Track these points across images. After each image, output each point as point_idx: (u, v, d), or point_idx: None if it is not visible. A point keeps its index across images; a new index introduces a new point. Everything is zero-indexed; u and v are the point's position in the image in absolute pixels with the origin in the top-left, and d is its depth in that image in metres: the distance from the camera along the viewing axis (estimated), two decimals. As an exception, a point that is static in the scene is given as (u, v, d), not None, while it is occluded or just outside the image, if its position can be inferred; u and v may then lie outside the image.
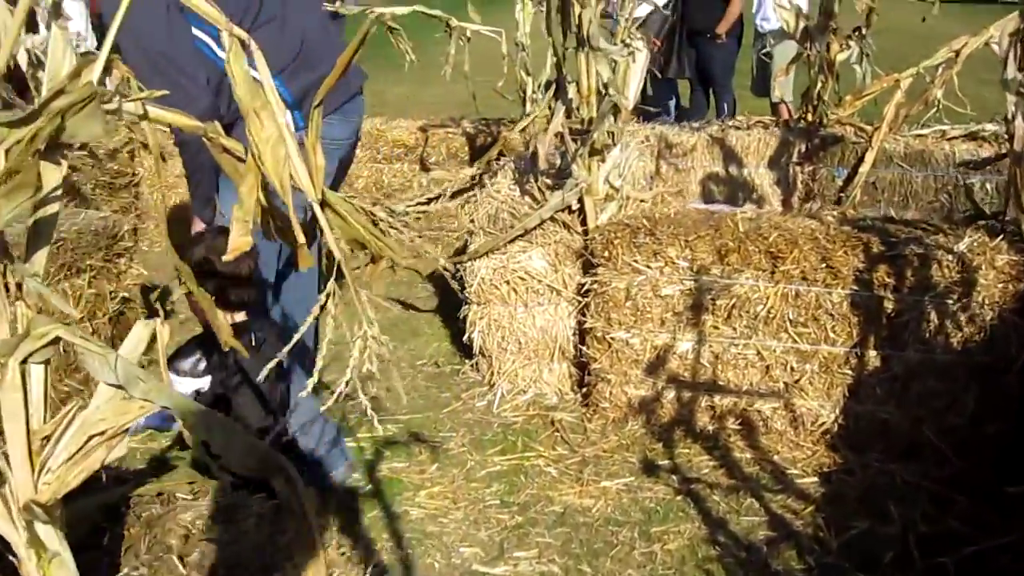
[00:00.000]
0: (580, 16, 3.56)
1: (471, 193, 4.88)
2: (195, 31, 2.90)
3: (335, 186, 3.38)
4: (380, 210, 1.79)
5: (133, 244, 6.07)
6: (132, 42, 2.85)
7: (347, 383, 1.75)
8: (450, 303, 4.38)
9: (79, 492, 2.11)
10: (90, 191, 5.53)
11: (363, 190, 5.86)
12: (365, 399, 1.79)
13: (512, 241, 3.99)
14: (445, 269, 2.09)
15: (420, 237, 1.86)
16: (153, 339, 1.67)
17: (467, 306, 4.19)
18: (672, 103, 8.15)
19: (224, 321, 1.69)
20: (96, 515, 2.03)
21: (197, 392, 2.74)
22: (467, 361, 4.43)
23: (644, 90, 7.89)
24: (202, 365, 2.72)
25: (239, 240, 1.50)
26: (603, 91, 3.72)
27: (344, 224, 1.74)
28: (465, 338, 4.27)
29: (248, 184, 1.47)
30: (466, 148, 5.69)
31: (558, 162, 4.30)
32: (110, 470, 2.18)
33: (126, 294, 4.32)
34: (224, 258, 1.52)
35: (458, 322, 4.30)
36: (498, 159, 4.87)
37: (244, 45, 1.49)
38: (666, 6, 7.47)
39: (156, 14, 2.75)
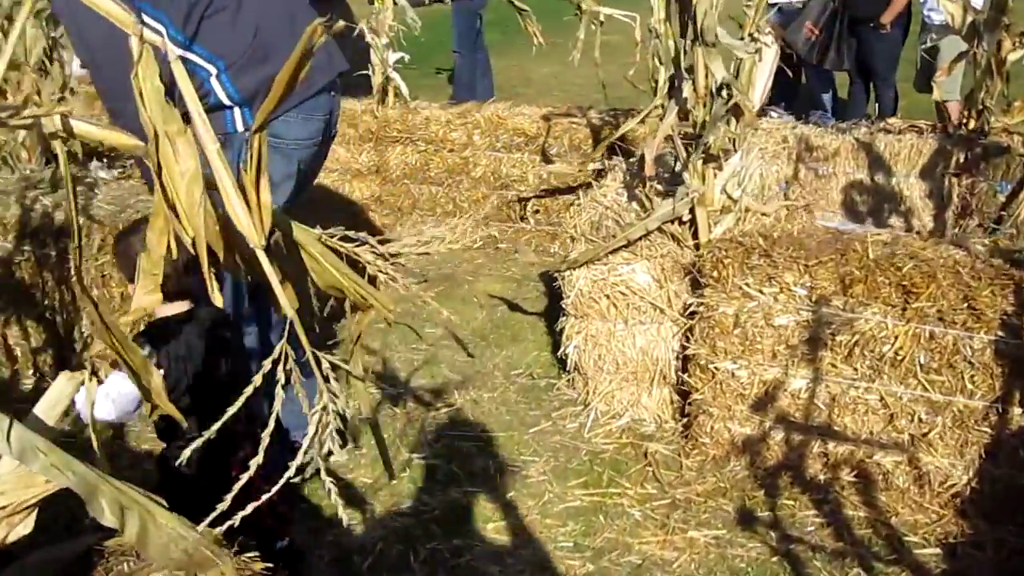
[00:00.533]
0: (695, 6, 3.14)
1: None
2: (146, 18, 2.67)
3: (300, 190, 3.13)
4: (367, 251, 1.46)
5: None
6: (75, 33, 2.73)
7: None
8: (560, 308, 4.06)
9: (43, 540, 1.88)
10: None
11: (480, 179, 5.58)
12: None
13: (614, 252, 3.62)
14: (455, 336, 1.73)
15: (417, 283, 1.52)
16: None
17: (564, 318, 3.85)
18: (828, 96, 7.54)
19: (157, 382, 1.40)
20: (56, 568, 1.80)
21: None
22: (564, 375, 4.09)
23: (796, 85, 7.33)
24: (153, 358, 2.47)
25: (144, 299, 1.20)
26: (719, 91, 3.30)
27: (318, 267, 1.43)
28: (560, 352, 3.93)
29: (156, 228, 1.18)
30: (590, 140, 5.31)
31: (676, 166, 3.89)
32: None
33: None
34: (123, 320, 1.23)
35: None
36: (611, 156, 4.48)
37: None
38: (829, -9, 6.90)
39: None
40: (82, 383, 1.40)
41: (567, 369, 3.98)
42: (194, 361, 2.46)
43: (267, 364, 1.33)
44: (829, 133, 4.83)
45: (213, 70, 2.76)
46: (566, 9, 5.37)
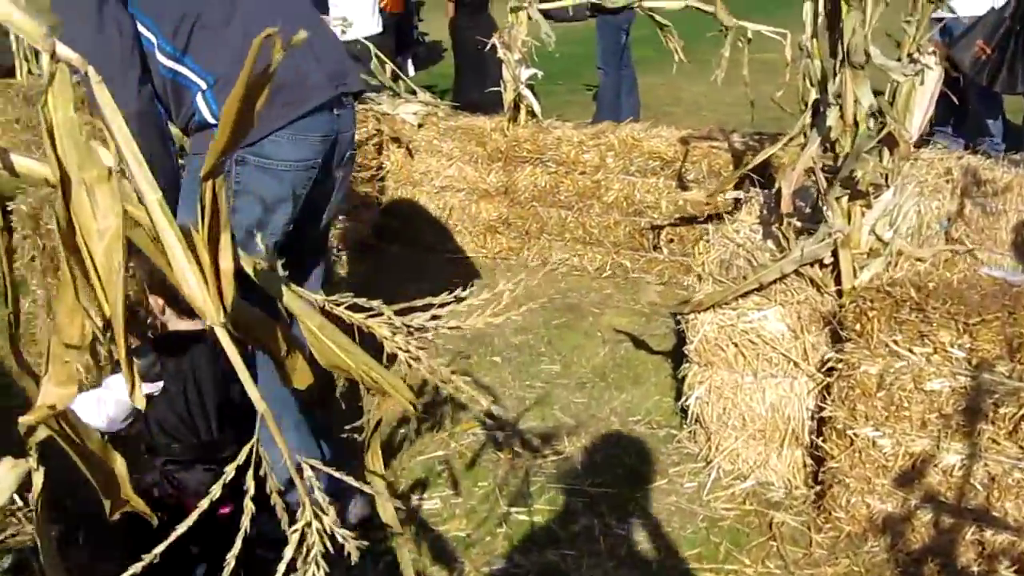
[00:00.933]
0: (844, 22, 2.75)
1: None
2: (140, 28, 2.56)
3: (306, 222, 2.87)
4: (382, 324, 1.16)
5: (374, 243, 5.81)
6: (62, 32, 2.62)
7: None
8: (688, 347, 3.71)
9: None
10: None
11: (611, 204, 5.23)
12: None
13: (744, 295, 3.24)
14: (489, 416, 1.40)
15: (449, 366, 1.21)
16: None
17: (687, 364, 3.48)
18: (997, 122, 6.88)
19: (121, 470, 1.14)
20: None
21: (149, 397, 2.33)
22: (686, 427, 3.71)
23: (965, 109, 6.72)
24: (157, 368, 2.30)
25: (53, 393, 0.93)
26: (870, 118, 2.89)
27: (317, 342, 1.14)
28: (681, 402, 3.57)
29: (66, 303, 0.91)
30: (730, 166, 4.91)
31: (819, 202, 3.48)
32: None
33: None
34: (23, 420, 0.97)
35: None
36: (747, 187, 4.07)
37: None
38: (1004, 8, 6.27)
39: (84, 3, 2.45)
40: (27, 471, 1.14)
41: (689, 420, 3.61)
42: (198, 384, 2.30)
43: (230, 470, 1.05)
44: (1000, 164, 4.31)
45: (204, 85, 2.59)
46: (711, 24, 5.00)
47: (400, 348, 1.19)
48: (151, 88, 2.60)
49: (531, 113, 5.51)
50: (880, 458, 2.96)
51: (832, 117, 3.01)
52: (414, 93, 6.15)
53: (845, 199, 3.09)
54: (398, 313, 1.18)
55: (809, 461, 3.33)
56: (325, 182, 2.87)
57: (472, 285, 4.59)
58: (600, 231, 5.36)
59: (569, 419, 3.90)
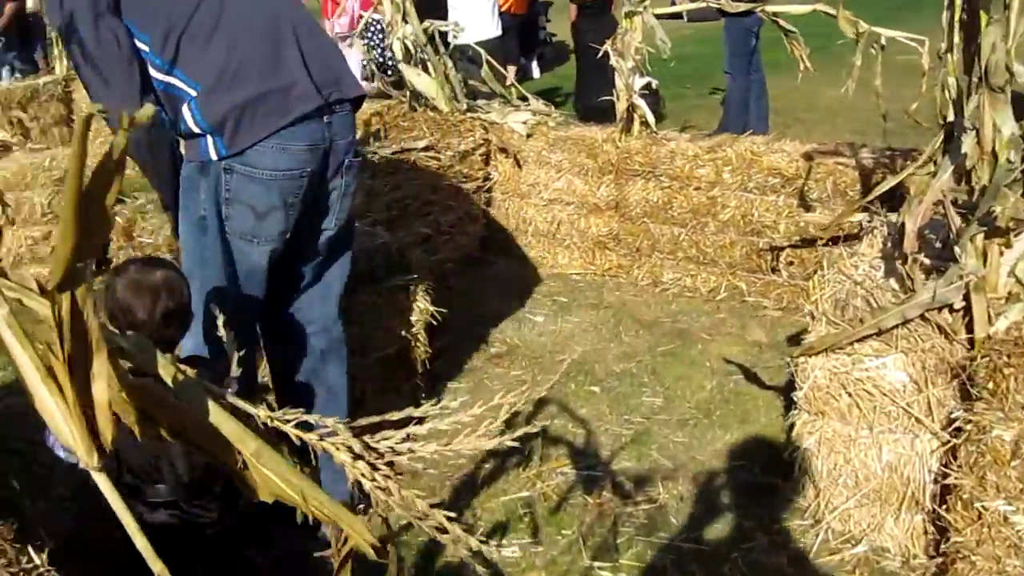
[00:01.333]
0: (980, 38, 2.38)
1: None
2: (136, 41, 2.58)
3: (307, 230, 2.82)
4: (341, 448, 0.92)
5: (479, 256, 5.60)
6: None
7: None
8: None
9: None
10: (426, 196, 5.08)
11: (727, 223, 4.88)
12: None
13: (862, 340, 2.89)
14: (470, 551, 1.12)
15: (436, 505, 0.95)
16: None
17: (795, 411, 3.15)
18: None
19: None
20: None
21: None
22: (794, 477, 3.36)
23: None
24: None
25: None
26: (1007, 148, 2.52)
27: (256, 472, 0.90)
28: (787, 453, 3.23)
29: None
30: (858, 185, 4.51)
31: (950, 238, 3.10)
32: None
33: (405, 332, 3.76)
34: None
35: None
36: (872, 212, 3.67)
37: None
38: None
39: (82, 21, 2.51)
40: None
41: (796, 472, 3.27)
42: None
43: None
44: None
45: (193, 93, 2.59)
46: (839, 32, 4.62)
47: (365, 476, 0.94)
48: (154, 96, 2.63)
49: (645, 124, 5.20)
50: (1012, 536, 2.59)
51: (968, 144, 2.64)
52: (525, 100, 5.92)
53: (980, 237, 2.71)
54: (364, 431, 0.94)
55: (931, 528, 2.96)
56: (321, 190, 2.83)
57: (577, 303, 4.31)
58: (715, 251, 5.02)
59: (667, 461, 3.61)
